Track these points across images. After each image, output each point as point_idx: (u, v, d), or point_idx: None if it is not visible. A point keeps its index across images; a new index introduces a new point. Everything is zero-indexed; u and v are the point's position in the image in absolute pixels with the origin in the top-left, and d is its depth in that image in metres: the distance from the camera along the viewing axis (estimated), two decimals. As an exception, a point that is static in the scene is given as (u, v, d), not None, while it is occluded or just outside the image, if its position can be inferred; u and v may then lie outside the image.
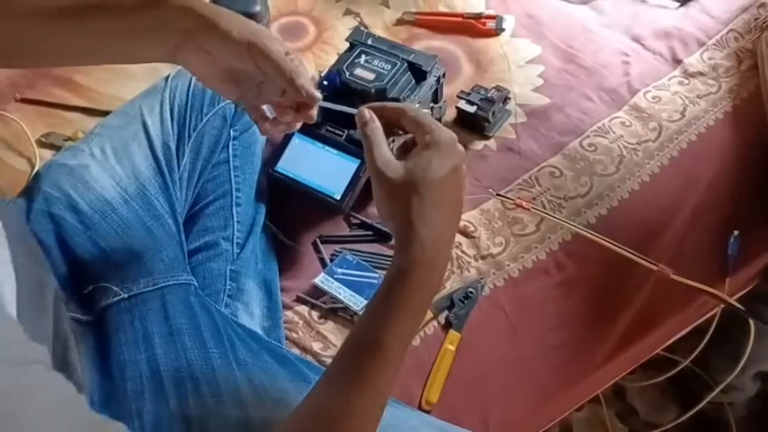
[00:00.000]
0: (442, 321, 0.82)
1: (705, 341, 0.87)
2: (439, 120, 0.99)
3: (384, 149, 0.55)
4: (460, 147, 0.56)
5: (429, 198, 0.53)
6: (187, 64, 0.62)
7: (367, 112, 0.58)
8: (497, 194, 0.90)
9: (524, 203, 0.89)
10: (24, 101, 1.05)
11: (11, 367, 0.32)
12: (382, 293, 0.54)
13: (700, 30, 1.12)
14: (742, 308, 0.82)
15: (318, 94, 0.62)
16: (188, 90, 0.85)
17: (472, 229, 0.89)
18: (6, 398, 0.31)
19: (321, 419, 0.51)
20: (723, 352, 0.93)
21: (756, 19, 1.07)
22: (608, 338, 0.80)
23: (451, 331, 0.80)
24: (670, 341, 0.88)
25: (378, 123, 0.57)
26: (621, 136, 0.99)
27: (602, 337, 0.80)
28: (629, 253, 0.82)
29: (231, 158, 0.87)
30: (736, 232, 0.86)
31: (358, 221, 0.90)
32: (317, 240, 0.89)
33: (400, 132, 0.59)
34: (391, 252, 0.88)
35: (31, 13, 0.60)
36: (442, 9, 1.18)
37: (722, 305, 0.84)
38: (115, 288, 0.71)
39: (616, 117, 1.02)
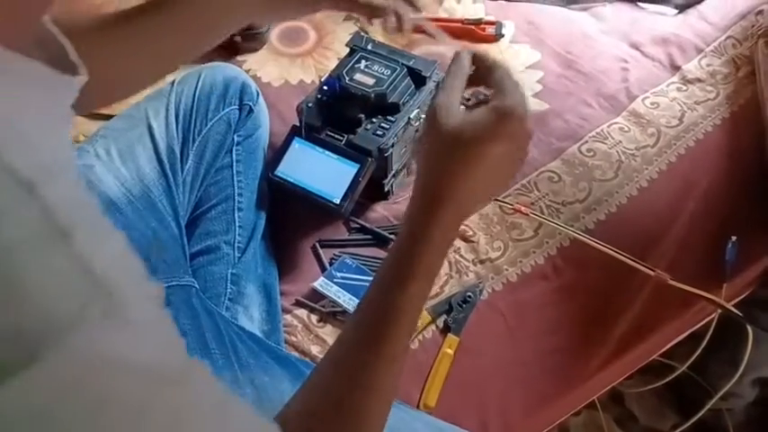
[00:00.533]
0: (441, 325, 0.82)
1: (702, 347, 0.87)
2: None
3: (453, 94, 0.52)
4: (529, 126, 0.51)
5: (469, 158, 0.49)
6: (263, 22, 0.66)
7: (463, 53, 0.55)
8: (496, 199, 0.91)
9: (523, 208, 0.90)
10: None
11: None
12: (398, 255, 0.51)
13: (698, 36, 1.13)
14: (739, 313, 0.82)
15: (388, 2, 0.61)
16: (193, 95, 0.86)
17: (471, 233, 0.90)
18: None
19: (335, 398, 0.48)
20: (721, 358, 0.94)
21: (753, 26, 1.08)
22: (606, 343, 0.81)
23: (450, 335, 0.81)
24: (667, 346, 0.88)
25: (466, 68, 0.54)
26: (620, 141, 1.00)
27: (600, 342, 0.81)
28: (626, 258, 0.82)
29: (234, 163, 0.87)
30: (734, 238, 0.86)
31: (357, 225, 0.91)
32: (317, 244, 0.89)
33: (484, 94, 0.55)
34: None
35: (110, 24, 0.61)
36: (442, 15, 1.19)
37: (719, 310, 0.84)
38: None
39: (615, 123, 1.02)
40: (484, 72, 0.54)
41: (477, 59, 0.55)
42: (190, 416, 0.31)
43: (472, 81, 0.54)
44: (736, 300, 0.87)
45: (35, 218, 0.27)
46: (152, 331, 0.31)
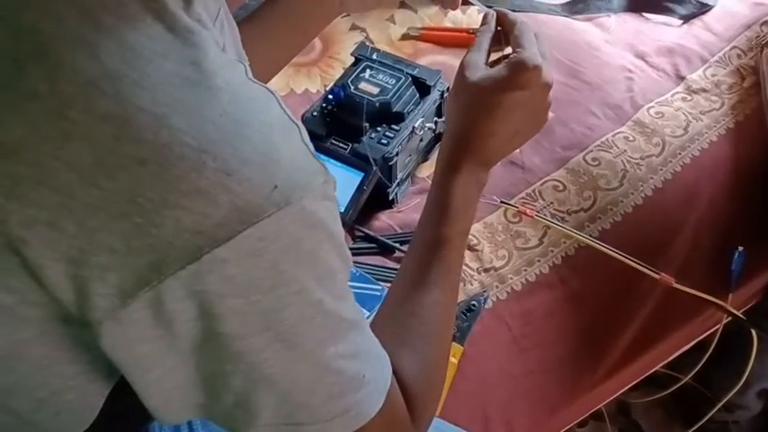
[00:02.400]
0: (445, 334, 0.82)
1: (707, 357, 0.86)
2: (442, 133, 0.99)
3: (479, 52, 0.61)
4: (544, 75, 0.58)
5: (490, 107, 0.58)
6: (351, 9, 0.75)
7: (490, 13, 0.64)
8: (501, 201, 0.91)
9: (528, 211, 0.90)
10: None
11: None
12: (437, 192, 0.59)
13: (703, 47, 1.13)
14: (744, 317, 0.82)
15: None
16: None
17: (475, 242, 0.90)
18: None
19: (402, 318, 0.56)
20: (727, 369, 0.93)
21: (758, 36, 1.08)
22: (611, 352, 0.80)
23: (454, 344, 0.80)
24: (673, 356, 0.88)
25: (492, 27, 0.63)
26: (625, 151, 1.00)
27: (606, 352, 0.80)
28: (631, 261, 0.82)
29: None
30: (740, 248, 0.86)
31: (362, 234, 0.91)
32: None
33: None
34: (393, 264, 0.88)
35: None
36: (447, 24, 1.20)
37: (726, 317, 0.83)
38: None
39: (620, 132, 1.02)
40: (506, 30, 0.63)
41: (501, 19, 0.64)
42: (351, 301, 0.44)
43: (498, 41, 0.63)
44: (743, 309, 0.86)
45: (280, 112, 0.38)
46: (338, 216, 0.41)
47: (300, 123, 0.39)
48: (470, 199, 0.60)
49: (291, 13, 0.73)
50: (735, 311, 0.82)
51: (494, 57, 0.63)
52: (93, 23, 0.34)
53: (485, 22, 0.63)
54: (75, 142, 0.33)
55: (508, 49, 0.62)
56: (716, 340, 0.85)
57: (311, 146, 0.39)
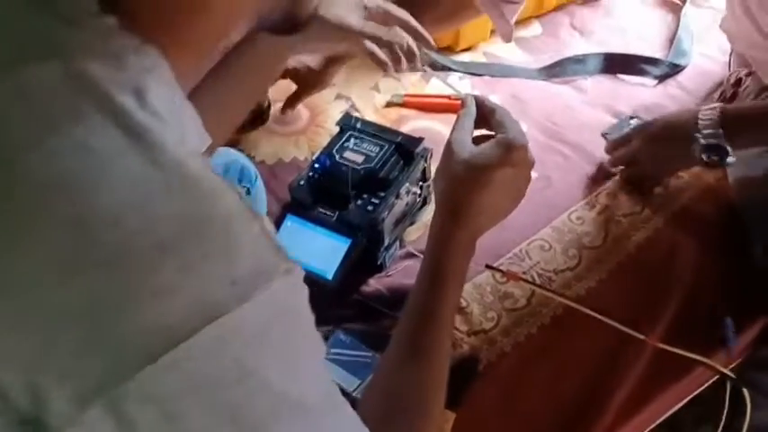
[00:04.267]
0: (437, 400, 0.81)
1: (699, 415, 0.85)
2: (427, 197, 1.01)
3: (465, 131, 0.66)
4: (528, 155, 0.65)
5: (482, 182, 0.62)
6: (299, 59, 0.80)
7: (469, 98, 0.69)
8: (487, 266, 0.92)
9: (513, 275, 0.91)
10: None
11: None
12: (428, 265, 0.62)
13: (678, 104, 1.17)
14: (734, 376, 0.82)
15: (405, 40, 0.78)
16: None
17: (465, 304, 0.90)
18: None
19: (389, 393, 0.57)
20: (724, 426, 0.92)
21: (722, 93, 1.12)
22: (604, 414, 0.79)
23: (446, 411, 0.80)
24: (666, 415, 0.87)
25: (473, 111, 0.68)
26: (607, 207, 1.02)
27: (598, 414, 0.79)
28: (615, 323, 0.83)
29: None
30: (729, 319, 0.86)
31: (351, 300, 0.91)
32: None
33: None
34: (385, 330, 0.88)
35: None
36: (429, 91, 1.24)
37: (716, 376, 0.83)
38: None
39: (602, 190, 1.05)
40: (487, 114, 0.68)
41: (480, 104, 0.69)
42: (326, 383, 0.42)
43: (477, 124, 0.67)
44: (730, 366, 0.86)
45: (240, 203, 0.37)
46: (307, 302, 0.40)
47: (262, 213, 0.40)
48: (462, 272, 0.64)
49: (243, 64, 0.74)
50: (724, 370, 0.82)
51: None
52: (47, 125, 0.34)
53: (465, 105, 0.68)
54: (31, 246, 0.32)
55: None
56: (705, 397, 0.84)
57: (274, 234, 0.38)
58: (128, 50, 0.38)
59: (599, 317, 0.84)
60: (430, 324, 0.59)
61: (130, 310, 0.33)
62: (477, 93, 1.19)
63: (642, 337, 0.82)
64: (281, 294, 0.37)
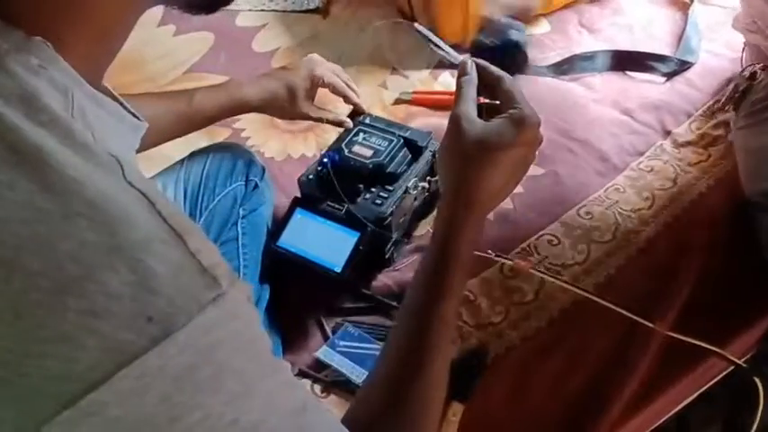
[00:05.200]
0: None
1: (710, 406, 0.85)
2: (436, 192, 1.01)
3: (470, 103, 0.58)
4: (540, 132, 0.58)
5: (492, 164, 0.56)
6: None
7: (469, 62, 0.60)
8: (497, 255, 0.91)
9: (522, 263, 0.90)
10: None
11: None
12: (435, 250, 0.56)
13: (686, 102, 1.17)
14: (744, 365, 0.81)
15: (343, 119, 0.97)
16: (202, 171, 0.89)
17: (472, 297, 0.90)
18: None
19: (390, 385, 0.52)
20: (736, 421, 0.91)
21: (731, 93, 1.11)
22: (613, 407, 0.79)
23: (454, 402, 0.80)
24: (677, 408, 0.86)
25: (475, 77, 0.59)
26: (617, 202, 1.02)
27: (607, 406, 0.79)
28: (624, 312, 0.82)
29: (240, 236, 0.89)
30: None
31: (359, 294, 0.91)
32: (322, 319, 0.89)
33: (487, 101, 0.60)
34: (392, 323, 0.88)
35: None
36: (438, 88, 1.24)
37: (728, 368, 0.83)
38: None
39: (610, 186, 1.04)
40: (491, 83, 0.60)
41: (482, 71, 0.60)
42: (288, 400, 0.37)
43: (479, 92, 0.59)
44: (744, 359, 0.86)
45: (158, 223, 0.33)
46: (252, 323, 0.36)
47: (189, 228, 0.34)
48: (468, 259, 0.57)
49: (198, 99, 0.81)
50: (735, 359, 0.81)
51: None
52: None
53: (464, 71, 0.60)
54: None
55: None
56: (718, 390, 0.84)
57: (204, 254, 0.34)
58: (8, 52, 0.33)
59: (609, 305, 0.83)
60: (433, 313, 0.53)
61: (35, 356, 0.30)
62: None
63: (651, 325, 0.82)
64: (212, 323, 0.33)
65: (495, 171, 0.56)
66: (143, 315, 0.31)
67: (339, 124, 0.96)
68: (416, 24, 0.73)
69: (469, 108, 0.58)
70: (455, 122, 0.57)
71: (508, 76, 0.60)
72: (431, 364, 0.52)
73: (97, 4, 0.37)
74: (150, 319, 0.31)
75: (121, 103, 0.43)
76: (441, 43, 0.71)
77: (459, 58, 0.63)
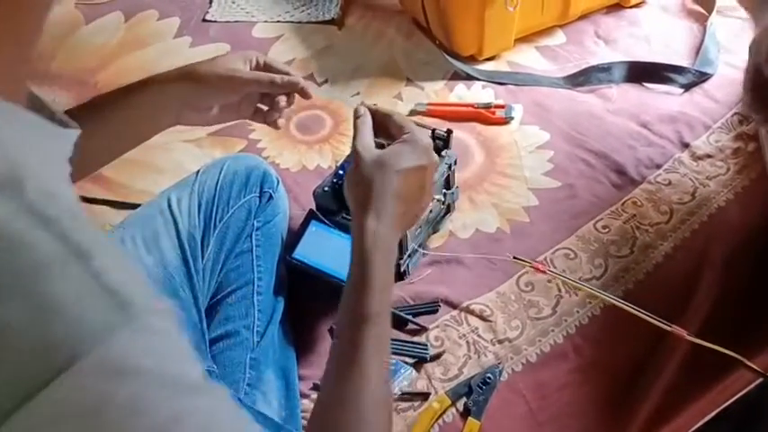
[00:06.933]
0: (461, 408, 0.81)
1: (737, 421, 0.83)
2: (451, 205, 1.01)
3: (368, 137, 0.65)
4: (434, 154, 0.66)
5: (391, 181, 0.61)
6: (190, 122, 0.75)
7: (362, 107, 0.68)
8: (515, 258, 0.91)
9: (540, 266, 0.90)
10: (55, 195, 1.09)
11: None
12: (352, 269, 0.60)
13: (705, 114, 1.16)
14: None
15: (299, 79, 0.75)
16: (216, 183, 0.89)
17: (488, 312, 0.90)
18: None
19: (327, 409, 0.53)
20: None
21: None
22: (633, 423, 0.78)
23: (470, 419, 0.79)
24: (698, 424, 0.85)
25: (369, 118, 0.67)
26: (634, 216, 1.01)
27: (627, 422, 0.78)
28: (645, 315, 0.82)
29: (254, 248, 0.89)
30: None
31: (374, 307, 0.91)
32: (334, 326, 0.89)
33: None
34: (406, 336, 0.88)
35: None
36: (453, 100, 1.24)
37: (756, 381, 0.81)
38: None
39: (627, 199, 1.04)
40: (383, 120, 0.67)
41: (374, 113, 0.68)
42: (216, 423, 0.33)
43: (375, 133, 0.66)
44: None
45: (58, 243, 0.30)
46: (171, 346, 0.33)
47: (96, 245, 0.32)
48: (390, 270, 0.60)
49: (125, 116, 0.72)
50: (758, 369, 0.80)
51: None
52: None
53: (358, 114, 0.67)
54: None
55: None
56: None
57: (112, 274, 0.31)
58: None
59: (626, 306, 0.82)
60: (359, 334, 0.55)
61: None
62: (500, 102, 1.20)
63: (668, 327, 0.81)
64: (122, 348, 0.30)
65: (397, 185, 0.61)
66: (41, 345, 0.29)
67: (295, 89, 0.76)
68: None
69: (366, 140, 0.65)
70: (356, 153, 0.63)
71: (395, 111, 0.69)
72: (363, 382, 0.53)
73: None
74: (52, 347, 0.29)
75: (53, 111, 0.42)
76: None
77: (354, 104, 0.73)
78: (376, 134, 0.66)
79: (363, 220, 0.60)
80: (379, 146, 0.65)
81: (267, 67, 0.75)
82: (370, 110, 0.68)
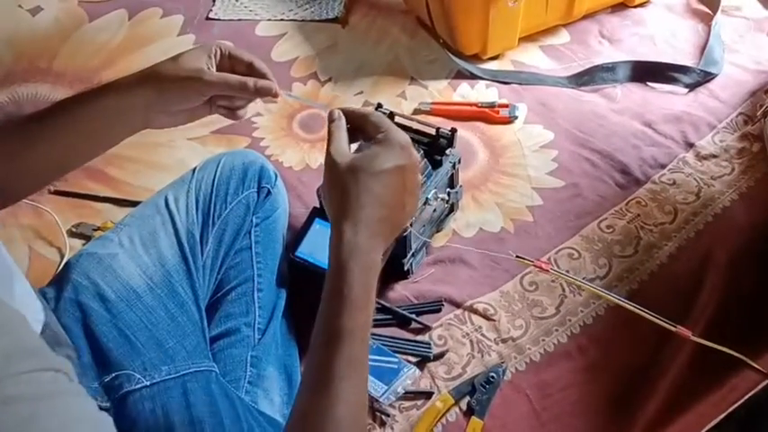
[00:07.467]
0: (464, 407, 0.81)
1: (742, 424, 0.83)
2: (455, 204, 1.01)
3: (342, 142, 0.60)
4: (414, 152, 0.59)
5: (366, 185, 0.56)
6: (161, 125, 0.71)
7: (336, 111, 0.63)
8: (517, 256, 0.90)
9: (543, 265, 0.89)
10: (57, 192, 1.10)
11: (35, 375, 0.34)
12: (327, 282, 0.55)
13: (710, 113, 1.15)
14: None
15: (272, 84, 0.69)
16: (213, 180, 0.88)
17: (492, 311, 0.89)
18: (30, 402, 0.33)
19: (302, 422, 0.51)
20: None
21: (761, 105, 1.10)
22: (636, 424, 0.78)
23: (474, 418, 0.79)
24: (706, 428, 0.84)
25: (343, 122, 0.62)
26: (639, 215, 1.00)
27: (630, 423, 0.78)
28: (651, 316, 0.81)
29: (253, 245, 0.89)
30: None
31: (378, 305, 0.91)
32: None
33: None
34: (410, 335, 0.88)
35: (14, 128, 0.66)
36: (457, 99, 1.23)
37: (763, 381, 0.81)
38: (138, 376, 0.72)
39: (632, 199, 1.03)
40: (359, 120, 0.62)
41: (349, 114, 0.63)
42: None
43: (351, 136, 0.61)
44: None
45: None
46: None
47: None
48: (370, 284, 0.56)
49: (89, 120, 0.68)
50: (763, 369, 0.79)
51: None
52: None
53: (332, 118, 0.62)
54: None
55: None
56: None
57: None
58: None
59: (630, 306, 0.81)
60: (330, 352, 0.52)
61: None
62: (504, 101, 1.20)
63: (681, 329, 0.80)
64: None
65: (375, 189, 0.56)
66: None
67: (269, 94, 0.71)
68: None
69: (340, 145, 0.60)
70: (330, 159, 0.59)
71: (371, 111, 0.64)
72: (339, 396, 0.51)
73: None
74: None
75: None
76: (310, 101, 0.75)
77: (326, 108, 0.66)
78: (355, 137, 0.62)
79: (339, 230, 0.56)
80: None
81: (232, 57, 0.71)
82: (345, 112, 0.63)
